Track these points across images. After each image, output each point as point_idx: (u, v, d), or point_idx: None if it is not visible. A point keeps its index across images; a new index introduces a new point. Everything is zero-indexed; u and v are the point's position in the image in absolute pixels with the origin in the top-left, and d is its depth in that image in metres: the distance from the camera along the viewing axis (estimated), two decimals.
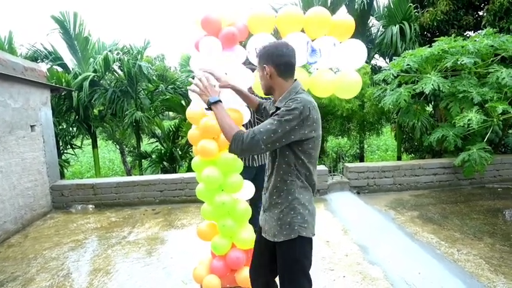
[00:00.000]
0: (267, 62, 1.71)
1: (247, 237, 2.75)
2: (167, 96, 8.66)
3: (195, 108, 2.65)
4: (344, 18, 2.67)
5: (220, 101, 1.75)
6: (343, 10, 2.74)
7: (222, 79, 2.09)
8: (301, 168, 1.71)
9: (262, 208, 1.92)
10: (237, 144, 1.62)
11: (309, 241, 1.75)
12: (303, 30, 2.70)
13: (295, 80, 1.79)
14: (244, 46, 2.78)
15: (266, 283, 2.04)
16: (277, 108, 1.67)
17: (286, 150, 1.68)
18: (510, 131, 6.62)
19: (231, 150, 1.67)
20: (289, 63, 1.73)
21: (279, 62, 1.70)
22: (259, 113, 2.26)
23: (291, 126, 1.58)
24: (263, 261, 1.97)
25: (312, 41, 2.67)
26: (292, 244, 1.71)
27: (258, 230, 1.99)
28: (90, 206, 5.45)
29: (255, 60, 1.90)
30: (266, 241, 1.83)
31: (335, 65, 2.86)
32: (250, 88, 2.83)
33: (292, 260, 1.73)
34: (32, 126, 5.12)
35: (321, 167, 5.57)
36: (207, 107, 1.80)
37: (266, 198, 1.85)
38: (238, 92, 2.23)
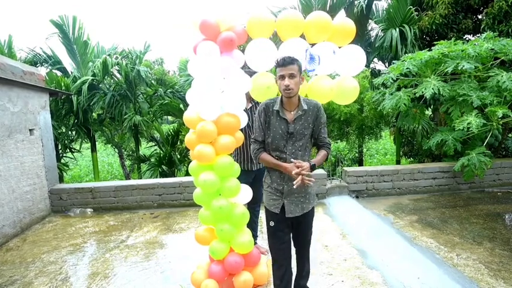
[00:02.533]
0: (301, 72, 2.20)
1: (245, 241, 2.74)
2: (166, 101, 8.67)
3: (192, 112, 2.64)
4: (345, 23, 2.67)
5: (314, 165, 2.19)
6: (341, 14, 2.75)
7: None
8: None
9: (280, 195, 2.29)
10: (330, 155, 2.33)
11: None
12: (303, 35, 2.70)
13: None
14: (243, 50, 2.79)
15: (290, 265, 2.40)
16: (304, 111, 2.21)
17: (311, 141, 2.33)
18: (510, 135, 6.62)
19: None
20: None
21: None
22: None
23: None
24: (287, 242, 2.34)
25: (312, 46, 2.67)
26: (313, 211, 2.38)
27: (275, 220, 2.33)
28: (89, 209, 5.43)
29: (303, 66, 2.31)
30: (287, 222, 2.29)
31: (334, 71, 2.87)
32: (248, 93, 2.83)
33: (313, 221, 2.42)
34: (30, 130, 5.11)
35: (319, 171, 5.56)
36: (313, 169, 2.21)
37: (289, 185, 2.23)
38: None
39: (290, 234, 2.34)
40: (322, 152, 2.28)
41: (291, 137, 2.22)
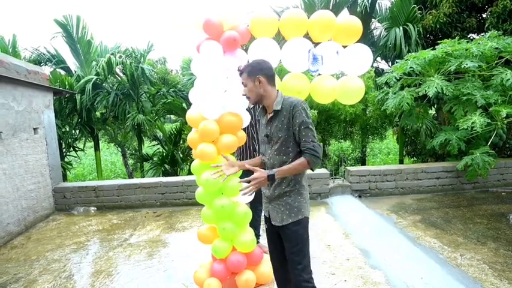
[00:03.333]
0: (259, 74, 2.04)
1: (247, 240, 2.74)
2: (169, 100, 8.68)
3: (195, 111, 2.65)
4: (350, 21, 2.64)
5: (273, 174, 1.94)
6: (345, 13, 2.74)
7: (237, 165, 2.26)
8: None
9: (266, 200, 2.17)
10: (317, 162, 1.97)
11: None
12: (307, 34, 2.68)
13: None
14: (246, 50, 2.79)
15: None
16: (276, 111, 2.03)
17: (296, 145, 2.02)
18: None
19: (315, 168, 2.02)
20: (273, 74, 2.12)
21: (268, 73, 2.07)
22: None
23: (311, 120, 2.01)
24: (275, 248, 2.21)
25: (315, 46, 2.66)
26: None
27: (266, 223, 2.24)
28: (92, 208, 5.46)
29: (239, 78, 2.16)
30: (275, 228, 2.13)
31: (340, 70, 2.85)
32: None
33: (301, 237, 2.05)
34: (35, 129, 5.14)
35: (322, 171, 5.55)
36: (273, 182, 2.06)
37: (270, 190, 2.10)
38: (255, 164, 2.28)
39: (280, 242, 2.15)
40: (298, 160, 1.96)
41: (269, 141, 2.10)
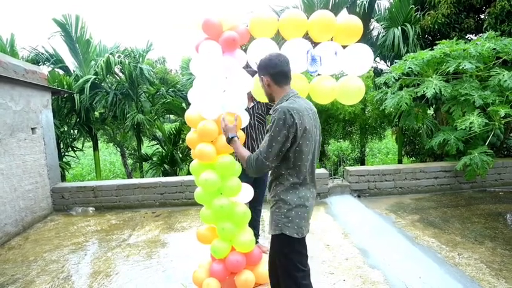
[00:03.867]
0: (264, 73, 1.98)
1: (246, 240, 2.74)
2: (168, 99, 8.67)
3: (194, 111, 2.65)
4: (351, 21, 2.63)
5: (235, 137, 2.09)
6: (344, 13, 2.75)
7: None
8: (290, 169, 1.90)
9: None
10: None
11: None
12: (307, 34, 2.68)
13: (289, 87, 2.00)
14: (245, 50, 2.79)
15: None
16: (270, 115, 2.06)
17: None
18: None
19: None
20: (282, 72, 1.95)
21: (273, 72, 1.94)
22: None
23: (282, 136, 1.80)
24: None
25: (314, 46, 2.66)
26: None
27: None
28: (91, 208, 5.45)
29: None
30: None
31: (339, 70, 2.85)
32: (250, 93, 2.84)
33: (276, 252, 2.01)
34: (33, 129, 5.13)
35: (321, 171, 5.56)
36: (228, 141, 2.17)
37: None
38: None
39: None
40: (246, 152, 2.01)
41: None
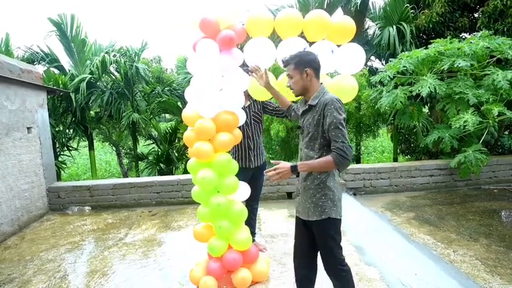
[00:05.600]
0: (307, 66, 2.04)
1: (243, 238, 2.76)
2: (164, 98, 8.66)
3: (191, 110, 2.65)
4: (344, 21, 2.67)
5: (296, 165, 2.01)
6: (339, 12, 2.78)
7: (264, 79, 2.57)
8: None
9: (297, 192, 2.25)
10: (344, 163, 1.94)
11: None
12: (301, 33, 2.71)
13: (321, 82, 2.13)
14: (241, 48, 2.80)
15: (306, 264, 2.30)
16: (310, 106, 2.06)
17: (324, 142, 2.02)
18: (506, 133, 6.66)
19: (343, 170, 2.07)
20: (319, 67, 2.11)
21: (316, 66, 2.07)
22: (288, 112, 2.64)
23: (344, 120, 1.97)
24: (300, 240, 2.28)
25: (310, 45, 2.68)
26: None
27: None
28: (87, 207, 5.43)
29: (286, 68, 2.16)
30: (301, 220, 2.20)
31: (333, 69, 2.88)
32: (246, 91, 2.85)
33: (326, 235, 2.10)
34: (28, 128, 5.10)
35: None
36: (297, 175, 2.13)
37: (299, 183, 2.18)
38: (275, 93, 2.65)
39: (307, 236, 2.21)
40: (324, 158, 1.97)
41: (301, 131, 2.17)
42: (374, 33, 7.85)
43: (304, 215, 2.14)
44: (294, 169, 1.99)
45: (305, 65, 2.04)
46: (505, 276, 2.93)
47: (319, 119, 2.00)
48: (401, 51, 6.45)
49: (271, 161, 2.12)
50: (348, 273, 2.16)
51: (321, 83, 2.12)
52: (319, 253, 2.21)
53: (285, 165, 1.99)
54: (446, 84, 4.98)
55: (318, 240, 2.14)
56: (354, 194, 5.53)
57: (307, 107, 2.10)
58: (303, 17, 2.67)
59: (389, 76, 5.37)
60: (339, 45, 2.73)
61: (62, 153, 8.43)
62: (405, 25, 6.79)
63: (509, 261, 3.18)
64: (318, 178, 2.05)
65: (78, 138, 8.70)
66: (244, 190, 2.87)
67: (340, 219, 2.13)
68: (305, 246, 2.25)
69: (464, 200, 5.06)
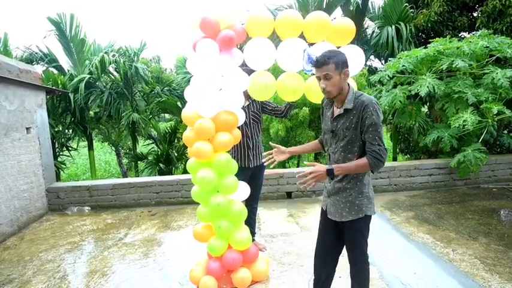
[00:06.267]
0: (346, 66, 1.95)
1: (243, 238, 2.76)
2: (163, 98, 8.66)
3: (190, 110, 2.65)
4: (344, 23, 2.67)
5: (332, 169, 1.94)
6: (338, 13, 2.78)
7: (286, 151, 2.39)
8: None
9: (326, 193, 2.19)
10: (379, 166, 1.93)
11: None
12: (302, 34, 2.71)
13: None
14: (241, 48, 2.80)
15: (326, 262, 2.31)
16: (346, 110, 1.97)
17: (363, 145, 1.99)
18: (505, 132, 6.67)
19: (376, 171, 2.00)
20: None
21: (348, 67, 1.97)
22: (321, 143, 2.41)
23: (382, 122, 1.94)
24: (326, 241, 2.27)
25: (310, 46, 2.68)
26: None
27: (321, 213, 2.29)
28: (86, 208, 5.43)
29: (300, 66, 2.12)
30: (330, 223, 2.17)
31: None
32: (246, 91, 2.85)
33: (360, 233, 2.13)
34: (27, 129, 5.10)
35: None
36: (333, 177, 2.05)
37: (331, 184, 2.11)
38: (302, 150, 2.50)
39: (334, 236, 2.20)
40: (360, 160, 1.94)
41: (334, 135, 2.06)
42: (373, 32, 7.86)
43: (338, 216, 2.09)
44: (330, 172, 1.92)
45: (344, 65, 1.94)
46: (504, 274, 2.94)
47: (357, 122, 1.94)
48: (400, 51, 6.45)
49: (305, 162, 2.07)
50: (368, 271, 2.23)
51: (348, 84, 2.02)
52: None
53: (320, 168, 1.93)
54: (446, 84, 4.99)
55: (348, 238, 2.15)
56: None
57: (342, 111, 1.99)
58: (303, 17, 2.68)
59: (388, 75, 5.37)
60: (338, 47, 2.74)
61: (61, 153, 8.42)
62: (403, 25, 6.80)
63: (508, 260, 3.19)
64: (355, 178, 2.04)
65: (77, 138, 8.69)
66: (243, 190, 2.87)
67: (371, 216, 2.16)
68: (329, 246, 2.25)
69: (464, 199, 5.06)
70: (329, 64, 1.90)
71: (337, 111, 2.03)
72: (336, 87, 1.94)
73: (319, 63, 1.93)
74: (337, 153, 2.06)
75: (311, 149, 2.44)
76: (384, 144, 1.93)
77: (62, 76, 7.61)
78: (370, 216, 2.12)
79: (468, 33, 6.89)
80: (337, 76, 1.92)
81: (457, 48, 4.91)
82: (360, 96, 1.97)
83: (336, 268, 2.38)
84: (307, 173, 1.92)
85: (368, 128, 1.91)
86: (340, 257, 3.42)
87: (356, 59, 2.69)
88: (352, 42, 2.79)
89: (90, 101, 7.78)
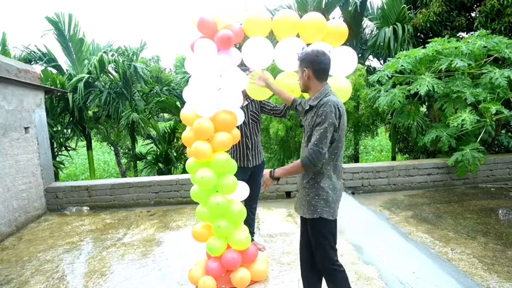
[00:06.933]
0: (307, 66, 2.08)
1: (242, 238, 2.76)
2: (162, 98, 8.65)
3: (189, 110, 2.65)
4: (338, 24, 2.72)
5: (274, 174, 2.16)
6: (336, 14, 2.82)
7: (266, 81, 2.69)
8: (328, 159, 2.04)
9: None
10: (310, 167, 2.00)
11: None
12: (298, 35, 2.72)
13: (327, 83, 2.14)
14: (239, 48, 2.80)
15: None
16: (311, 106, 2.09)
17: None
18: (503, 131, 6.68)
19: (310, 171, 2.07)
20: (324, 69, 2.10)
21: (317, 67, 2.07)
22: (292, 108, 2.65)
23: (332, 126, 1.97)
24: (302, 237, 2.36)
25: (307, 46, 2.69)
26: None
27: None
28: (85, 208, 5.42)
29: (296, 63, 2.22)
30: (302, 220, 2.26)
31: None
32: (244, 91, 2.85)
33: (318, 234, 2.15)
34: (26, 128, 5.09)
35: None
36: (274, 179, 2.19)
37: (298, 181, 2.25)
38: (277, 91, 2.69)
39: (306, 233, 2.26)
40: (294, 162, 2.09)
41: (303, 130, 2.21)
42: (372, 32, 7.88)
43: (300, 211, 2.21)
44: (271, 174, 2.13)
45: (305, 64, 2.08)
46: (502, 274, 2.95)
47: (315, 120, 2.02)
48: (398, 51, 6.47)
49: (272, 87, 2.30)
50: (341, 273, 2.17)
51: (326, 84, 2.12)
52: None
53: (265, 172, 2.14)
54: (444, 83, 5.00)
55: (311, 236, 2.19)
56: (353, 193, 5.55)
57: (308, 107, 2.13)
58: (301, 17, 2.69)
59: (387, 75, 5.38)
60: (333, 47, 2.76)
61: (59, 153, 8.41)
62: (399, 26, 6.82)
63: (506, 259, 3.20)
64: (312, 178, 2.10)
65: (76, 138, 8.68)
66: (243, 190, 2.87)
67: (334, 220, 2.14)
68: (307, 244, 2.29)
69: (462, 198, 5.07)
70: (298, 61, 2.15)
71: (306, 106, 2.19)
72: (301, 82, 2.16)
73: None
74: (302, 147, 2.20)
75: (285, 98, 2.63)
76: (321, 147, 1.95)
77: (61, 76, 7.61)
78: (331, 220, 2.11)
79: (466, 33, 6.91)
80: (300, 72, 2.14)
81: (456, 48, 4.92)
82: (326, 96, 2.04)
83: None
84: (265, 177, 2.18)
85: (314, 127, 2.00)
86: (338, 257, 3.43)
87: (348, 60, 2.72)
88: (350, 42, 2.82)
89: (89, 101, 7.77)
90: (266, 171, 2.17)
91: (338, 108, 2.00)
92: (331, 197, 2.09)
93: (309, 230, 2.19)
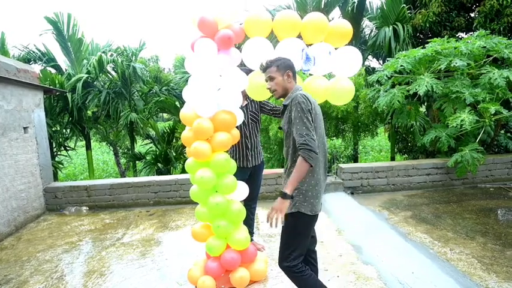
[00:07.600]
0: (289, 69, 2.20)
1: (241, 237, 2.76)
2: (161, 98, 8.65)
3: (189, 110, 2.65)
4: (341, 24, 2.70)
5: (286, 193, 1.99)
6: (336, 14, 2.81)
7: None
8: None
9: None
10: (311, 155, 1.96)
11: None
12: (299, 35, 2.72)
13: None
14: (239, 48, 2.80)
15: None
16: (285, 106, 2.17)
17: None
18: (502, 131, 6.70)
19: (314, 162, 2.01)
20: (295, 72, 2.27)
21: (294, 70, 2.24)
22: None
23: (308, 114, 2.02)
24: None
25: (308, 46, 2.69)
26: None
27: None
28: (84, 208, 5.42)
29: (270, 71, 2.24)
30: None
31: (330, 71, 2.89)
32: (244, 91, 2.85)
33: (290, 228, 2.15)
34: (25, 128, 5.08)
35: None
36: (289, 197, 2.02)
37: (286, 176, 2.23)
38: None
39: None
40: (297, 164, 1.99)
41: (283, 131, 2.23)
42: (371, 32, 7.89)
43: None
44: (284, 195, 1.98)
45: (287, 68, 2.19)
46: (501, 274, 2.96)
47: (290, 116, 2.09)
48: (398, 51, 6.48)
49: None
50: (295, 272, 2.13)
51: (297, 85, 2.24)
52: (315, 246, 2.33)
53: (276, 201, 1.99)
54: (443, 83, 5.01)
55: (282, 232, 2.19)
56: (352, 193, 5.55)
57: (282, 107, 2.22)
58: (301, 17, 2.69)
59: (386, 75, 5.39)
60: (336, 48, 2.75)
61: (59, 153, 8.40)
62: (400, 25, 6.82)
63: (505, 259, 3.21)
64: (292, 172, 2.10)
65: (75, 138, 8.67)
66: (242, 190, 2.87)
67: (312, 216, 2.14)
68: None
69: (461, 198, 5.08)
70: (271, 67, 2.18)
71: (282, 107, 2.25)
72: (280, 87, 2.19)
73: (263, 67, 2.23)
74: (285, 150, 2.23)
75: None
76: (307, 133, 1.97)
77: (60, 75, 7.59)
78: (305, 215, 2.10)
79: (466, 34, 6.92)
80: (279, 77, 2.18)
81: (455, 48, 4.93)
82: (294, 92, 2.15)
83: (317, 262, 2.44)
84: (269, 212, 2.01)
85: (294, 120, 2.04)
86: (337, 257, 3.43)
87: (353, 60, 2.70)
88: (350, 43, 2.81)
89: (88, 101, 7.76)
90: (275, 204, 1.99)
91: (307, 97, 2.08)
92: (310, 192, 2.11)
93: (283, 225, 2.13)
